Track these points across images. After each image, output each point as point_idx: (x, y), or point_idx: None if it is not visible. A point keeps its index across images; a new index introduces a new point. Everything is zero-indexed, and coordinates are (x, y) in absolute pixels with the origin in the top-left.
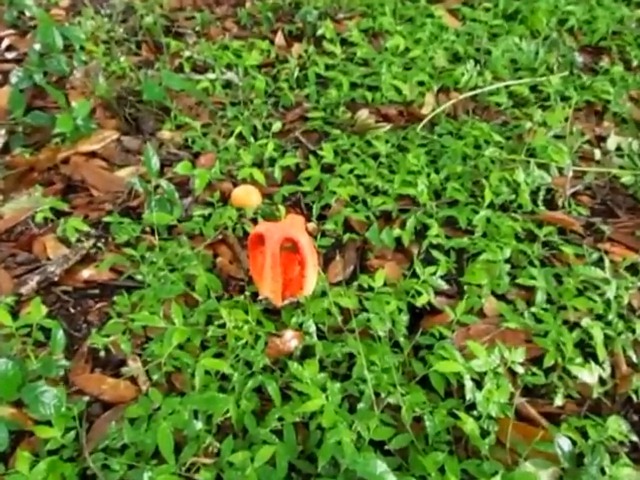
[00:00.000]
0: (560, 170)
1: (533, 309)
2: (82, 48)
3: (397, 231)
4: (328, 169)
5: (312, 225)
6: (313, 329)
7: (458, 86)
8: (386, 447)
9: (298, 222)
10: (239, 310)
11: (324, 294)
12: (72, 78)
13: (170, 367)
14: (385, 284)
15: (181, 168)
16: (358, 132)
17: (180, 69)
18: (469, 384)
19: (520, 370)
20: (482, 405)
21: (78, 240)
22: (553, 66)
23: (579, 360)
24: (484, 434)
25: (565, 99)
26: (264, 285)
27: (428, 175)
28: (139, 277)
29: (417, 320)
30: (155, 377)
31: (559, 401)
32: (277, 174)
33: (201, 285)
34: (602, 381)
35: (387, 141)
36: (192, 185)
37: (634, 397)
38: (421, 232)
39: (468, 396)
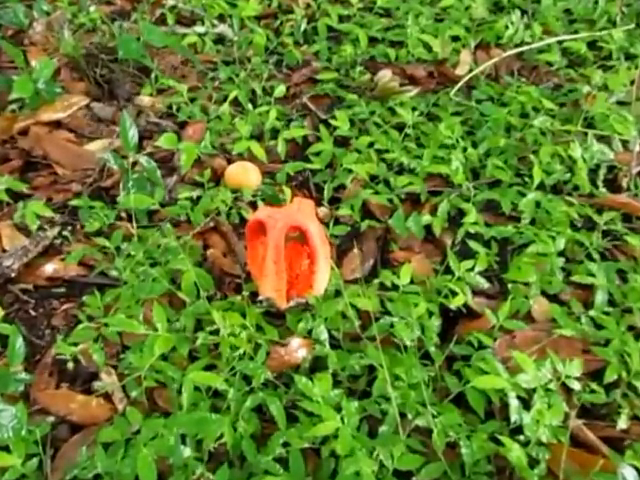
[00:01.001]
0: (624, 144)
1: (592, 312)
2: None
3: (427, 217)
4: (342, 142)
5: (323, 210)
6: (325, 336)
7: (500, 42)
8: (414, 479)
9: (306, 207)
10: (235, 313)
11: (338, 294)
12: (32, 32)
13: (152, 382)
14: (412, 282)
15: (164, 141)
16: (379, 97)
17: (162, 21)
18: (514, 403)
19: (576, 386)
20: (530, 428)
21: (40, 228)
22: (616, 17)
23: None
24: (533, 463)
25: (630, 57)
26: (265, 283)
27: (464, 150)
28: (114, 273)
29: (451, 326)
30: (134, 394)
31: (623, 423)
32: (280, 148)
33: (189, 283)
34: None
35: (414, 108)
36: (177, 162)
37: None
38: (456, 219)
39: (513, 417)
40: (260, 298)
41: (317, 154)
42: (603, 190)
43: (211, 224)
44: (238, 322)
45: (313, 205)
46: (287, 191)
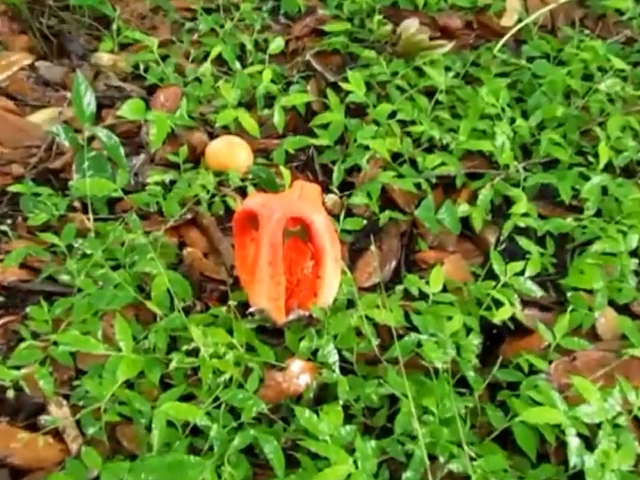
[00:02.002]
0: None
1: None
2: None
3: (464, 207)
4: (356, 111)
5: (332, 198)
6: (334, 358)
7: None
8: None
9: (310, 193)
10: (219, 329)
11: (351, 305)
12: None
13: (114, 416)
14: (445, 289)
15: (129, 110)
16: (403, 54)
17: None
18: (574, 442)
19: None
20: (594, 474)
21: None
22: None
23: None
24: None
25: None
26: (258, 290)
27: (512, 121)
28: (65, 278)
29: (495, 345)
30: (91, 431)
31: None
32: (277, 119)
33: (160, 291)
34: None
35: (448, 68)
36: (145, 136)
37: None
38: (501, 209)
39: (573, 460)
40: (251, 310)
41: (324, 127)
42: None
43: (189, 216)
44: (223, 340)
45: (319, 191)
46: (286, 173)
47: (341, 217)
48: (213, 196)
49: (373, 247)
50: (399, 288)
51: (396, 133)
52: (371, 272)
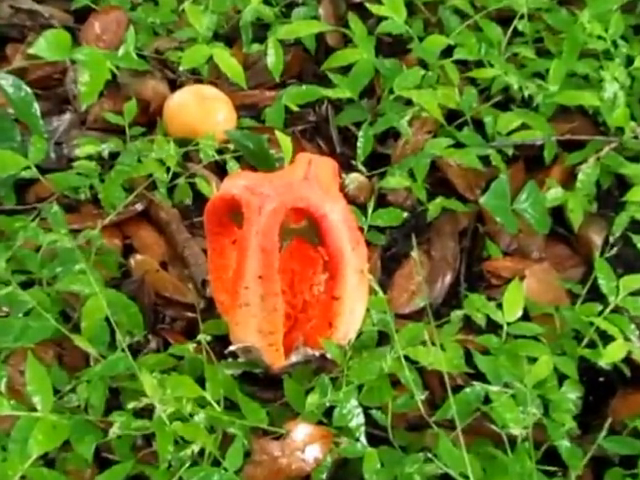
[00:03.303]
0: None
1: None
2: None
3: (556, 193)
4: (393, 48)
5: (356, 179)
6: (359, 421)
7: None
8: None
9: (323, 172)
10: (184, 377)
11: (384, 340)
12: None
13: None
14: (527, 316)
15: (48, 46)
16: None
17: None
18: None
19: None
20: None
21: None
22: None
23: None
24: None
25: None
26: (243, 319)
27: (628, 62)
28: None
29: (601, 401)
30: None
31: None
32: (273, 60)
33: (95, 319)
34: None
35: None
36: (73, 86)
37: None
38: (611, 196)
39: None
40: (233, 348)
41: (344, 71)
42: None
43: (138, 207)
44: (190, 393)
45: (335, 169)
46: (285, 142)
47: (369, 208)
48: (176, 176)
49: (416, 253)
50: (457, 315)
51: (453, 80)
52: (414, 291)
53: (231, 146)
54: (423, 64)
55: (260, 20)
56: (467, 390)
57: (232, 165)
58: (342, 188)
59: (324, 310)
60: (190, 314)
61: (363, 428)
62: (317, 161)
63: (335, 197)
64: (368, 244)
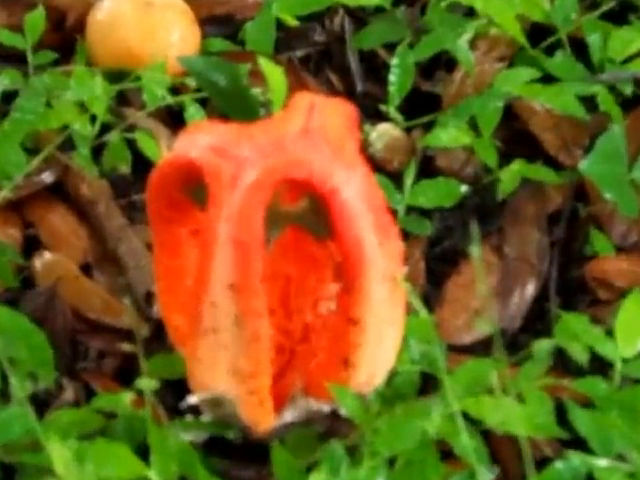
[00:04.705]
0: None
1: None
2: None
3: None
4: None
5: (386, 132)
6: None
7: None
8: None
9: (333, 123)
10: (116, 445)
11: (429, 386)
12: None
13: None
14: None
15: None
16: None
17: None
18: None
19: None
20: None
21: None
22: None
23: None
24: None
25: None
26: (208, 354)
27: None
28: None
29: None
30: None
31: None
32: None
33: None
34: None
35: None
36: None
37: None
38: None
39: None
40: (193, 399)
41: None
42: None
43: (47, 177)
44: (126, 472)
45: (353, 117)
46: (275, 75)
47: (407, 179)
48: (105, 130)
49: (479, 249)
50: (543, 346)
51: None
52: (477, 309)
53: (191, 82)
54: None
55: None
56: (559, 465)
57: (192, 112)
58: (364, 147)
59: (336, 340)
60: (127, 346)
61: None
62: (325, 106)
63: (352, 162)
64: (405, 235)
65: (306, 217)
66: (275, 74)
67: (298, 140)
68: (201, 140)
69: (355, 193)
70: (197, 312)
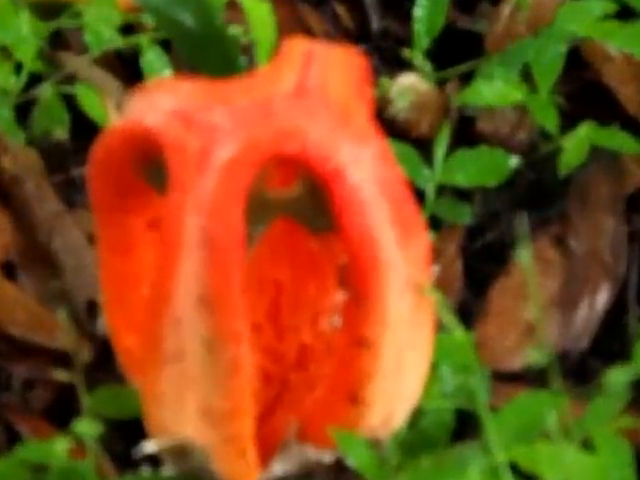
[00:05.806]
0: None
1: None
2: None
3: None
4: None
5: (410, 85)
6: None
7: None
8: None
9: (336, 77)
10: None
11: (467, 428)
12: None
13: None
14: None
15: None
16: None
17: None
18: None
19: None
20: None
21: None
22: None
23: None
24: None
25: None
26: (170, 384)
27: None
28: None
29: None
30: None
31: None
32: None
33: None
34: None
35: None
36: None
37: None
38: None
39: None
40: (151, 448)
41: None
42: None
43: None
44: None
45: (362, 68)
46: (260, 11)
47: (439, 148)
48: (34, 82)
49: (526, 245)
50: (618, 375)
51: None
52: (530, 324)
53: (148, 21)
54: None
55: None
56: None
57: (150, 58)
58: (382, 107)
59: (342, 367)
60: (62, 374)
61: None
62: (327, 55)
63: (363, 133)
64: (437, 225)
65: (301, 206)
66: (260, 8)
67: (291, 103)
68: (161, 102)
69: (366, 174)
70: (156, 331)
